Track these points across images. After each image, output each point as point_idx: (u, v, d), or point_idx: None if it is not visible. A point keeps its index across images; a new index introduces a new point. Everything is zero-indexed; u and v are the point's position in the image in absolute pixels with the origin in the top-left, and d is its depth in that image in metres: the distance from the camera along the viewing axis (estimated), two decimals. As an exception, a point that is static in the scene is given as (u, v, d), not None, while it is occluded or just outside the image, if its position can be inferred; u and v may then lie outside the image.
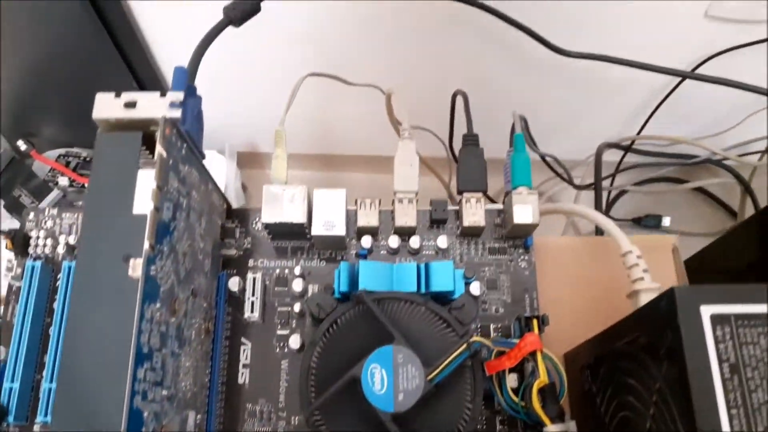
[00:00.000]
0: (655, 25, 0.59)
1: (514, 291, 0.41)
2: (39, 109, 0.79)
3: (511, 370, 0.37)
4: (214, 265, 0.40)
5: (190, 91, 0.36)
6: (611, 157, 0.76)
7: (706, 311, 0.24)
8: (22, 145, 0.81)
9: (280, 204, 0.39)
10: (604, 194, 0.84)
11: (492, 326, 0.40)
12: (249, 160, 0.87)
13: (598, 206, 0.62)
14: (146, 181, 0.30)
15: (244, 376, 0.39)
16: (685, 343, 0.24)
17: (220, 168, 0.76)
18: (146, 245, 0.29)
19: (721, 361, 0.24)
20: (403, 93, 0.46)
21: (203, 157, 0.37)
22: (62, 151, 0.83)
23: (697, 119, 0.72)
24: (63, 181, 0.79)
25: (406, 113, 0.43)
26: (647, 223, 0.87)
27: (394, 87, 0.48)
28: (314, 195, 0.40)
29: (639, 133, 0.73)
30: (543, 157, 0.62)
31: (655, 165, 0.82)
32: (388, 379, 0.34)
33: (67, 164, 0.81)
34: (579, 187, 0.68)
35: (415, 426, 0.34)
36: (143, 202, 0.30)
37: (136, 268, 0.28)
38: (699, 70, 0.64)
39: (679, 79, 0.64)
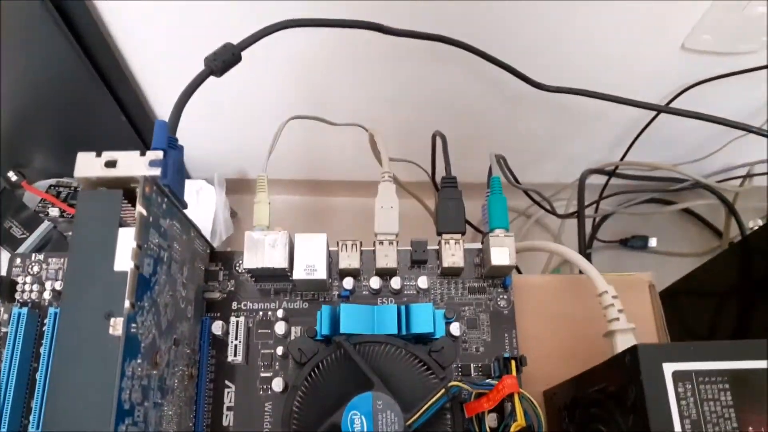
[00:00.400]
0: (634, 56, 0.60)
1: (494, 330, 0.42)
2: (29, 139, 0.79)
3: (490, 411, 0.38)
4: (198, 309, 0.40)
5: (172, 144, 0.37)
6: (597, 180, 0.77)
7: (669, 368, 0.25)
8: (12, 176, 0.81)
9: (261, 249, 0.40)
10: (590, 216, 0.86)
11: (473, 365, 0.41)
12: (239, 186, 0.88)
13: (581, 233, 0.63)
14: (127, 238, 0.31)
15: (228, 419, 0.40)
16: (647, 399, 0.25)
17: (209, 198, 0.76)
18: (126, 304, 0.29)
19: (682, 418, 0.24)
20: (387, 126, 0.48)
21: (185, 206, 0.38)
22: (53, 181, 0.83)
23: (678, 146, 0.74)
24: (53, 211, 0.80)
25: (386, 156, 0.44)
26: (634, 244, 0.88)
27: (376, 125, 0.49)
28: (296, 240, 0.40)
29: (622, 158, 0.74)
30: (526, 192, 0.63)
31: (640, 190, 0.83)
32: (368, 425, 0.34)
33: (58, 195, 0.82)
34: (562, 216, 0.69)
35: (394, 471, 0.35)
36: (124, 259, 0.31)
37: (116, 326, 0.29)
38: (677, 101, 0.65)
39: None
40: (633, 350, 0.26)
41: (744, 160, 0.74)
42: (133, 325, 0.30)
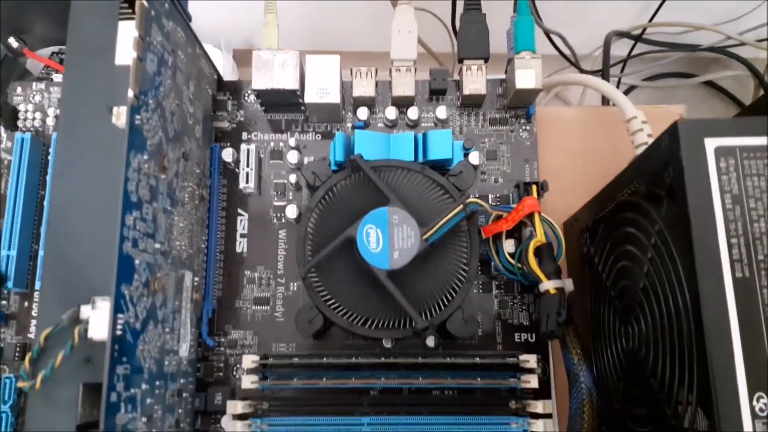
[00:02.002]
0: None
1: (514, 162, 0.40)
2: (28, 5, 0.76)
3: (508, 236, 0.37)
4: (206, 135, 0.39)
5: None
6: (621, 51, 0.73)
7: (711, 144, 0.23)
8: (13, 42, 0.79)
9: (271, 70, 0.37)
10: (614, 85, 0.82)
11: (491, 196, 0.40)
12: (245, 59, 0.85)
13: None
14: (128, 31, 0.29)
15: (242, 245, 0.39)
16: (687, 176, 0.23)
17: (216, 61, 0.73)
18: (130, 94, 0.28)
19: (723, 192, 0.23)
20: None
21: (190, 19, 0.36)
22: (55, 48, 0.80)
23: (710, 5, 0.69)
24: (57, 78, 0.77)
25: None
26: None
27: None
28: (307, 61, 0.38)
29: (651, 20, 0.70)
30: (548, 34, 0.60)
31: (666, 55, 0.79)
32: (384, 238, 0.33)
33: (61, 61, 0.79)
34: (587, 72, 0.66)
35: (410, 284, 0.34)
36: (126, 53, 0.29)
37: (120, 115, 0.27)
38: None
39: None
40: (673, 127, 0.24)
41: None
42: (138, 117, 0.28)
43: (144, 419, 0.29)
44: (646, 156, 0.27)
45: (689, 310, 0.23)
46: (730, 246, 0.22)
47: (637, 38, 0.72)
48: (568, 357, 0.32)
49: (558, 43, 0.62)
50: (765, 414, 0.21)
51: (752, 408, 0.21)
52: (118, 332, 0.26)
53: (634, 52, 0.76)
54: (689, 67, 0.83)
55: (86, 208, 0.28)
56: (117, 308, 0.26)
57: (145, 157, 0.29)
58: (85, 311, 0.27)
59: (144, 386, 0.29)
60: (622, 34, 0.69)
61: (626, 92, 0.86)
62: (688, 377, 0.23)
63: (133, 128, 0.28)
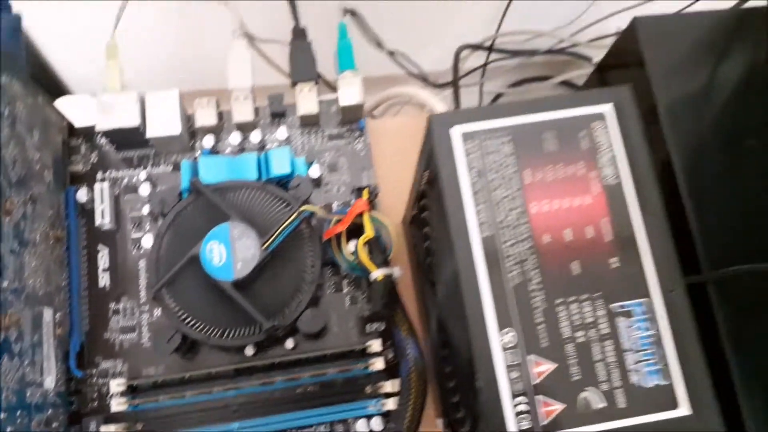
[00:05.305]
0: None
1: (353, 171, 0.44)
2: None
3: (351, 238, 0.41)
4: (59, 179, 0.41)
5: (4, 6, 0.37)
6: (477, 61, 0.80)
7: (458, 130, 0.28)
8: None
9: (112, 110, 0.40)
10: (486, 97, 0.89)
11: (335, 203, 0.44)
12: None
13: (456, 102, 0.65)
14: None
15: (104, 280, 0.41)
16: (438, 157, 0.27)
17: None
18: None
19: (470, 168, 0.27)
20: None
21: (26, 72, 0.38)
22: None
23: (549, 11, 0.76)
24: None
25: (238, 14, 0.45)
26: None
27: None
28: (147, 98, 0.41)
29: (497, 31, 0.76)
30: (391, 54, 0.65)
31: (526, 61, 0.86)
32: (227, 252, 0.36)
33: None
34: (438, 86, 0.71)
35: (259, 291, 0.37)
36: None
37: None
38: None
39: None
40: (428, 120, 0.28)
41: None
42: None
43: (4, 446, 0.31)
44: (423, 146, 0.31)
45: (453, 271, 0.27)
46: (478, 212, 0.27)
47: (489, 49, 0.79)
48: (397, 333, 0.36)
49: (405, 63, 0.67)
50: (510, 345, 0.25)
51: (501, 341, 0.25)
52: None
53: (498, 63, 0.82)
54: (548, 70, 0.91)
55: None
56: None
57: (-20, 201, 0.31)
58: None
59: (2, 414, 0.31)
60: (473, 47, 0.75)
61: (494, 100, 0.93)
62: (458, 327, 0.27)
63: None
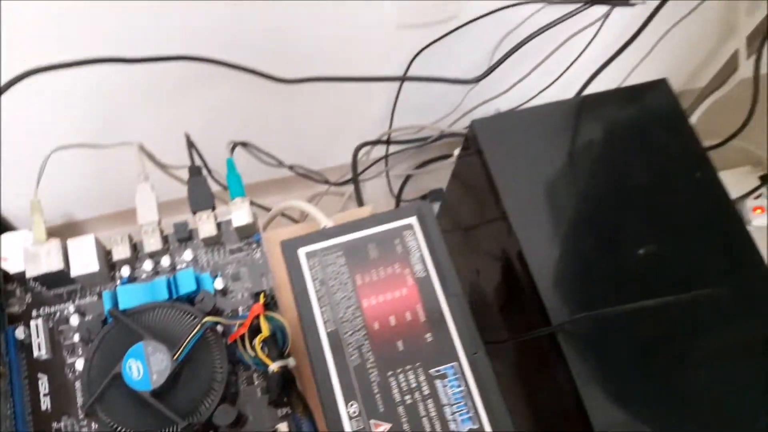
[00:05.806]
0: (361, 38, 0.72)
1: (254, 278, 0.52)
2: None
3: (252, 338, 0.48)
4: (-1, 322, 0.48)
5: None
6: (378, 154, 0.90)
7: (303, 251, 0.36)
8: None
9: (39, 259, 0.48)
10: (394, 183, 0.99)
11: (240, 308, 0.51)
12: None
13: (358, 199, 0.75)
14: None
15: (46, 403, 0.48)
16: (290, 273, 0.36)
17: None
18: None
19: (314, 279, 0.36)
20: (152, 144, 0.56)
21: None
22: None
23: (434, 105, 0.87)
24: None
25: (142, 162, 0.53)
26: (433, 197, 1.02)
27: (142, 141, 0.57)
28: (68, 243, 0.49)
29: (390, 127, 0.87)
30: (291, 168, 0.74)
31: (425, 147, 0.96)
32: (143, 367, 0.43)
33: None
34: (337, 184, 0.81)
35: (174, 396, 0.44)
36: None
37: None
38: (413, 67, 0.78)
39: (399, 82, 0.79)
40: (281, 245, 0.36)
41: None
42: None
43: None
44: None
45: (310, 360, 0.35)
46: (322, 312, 0.35)
47: (387, 142, 0.89)
48: (294, 414, 0.43)
49: (308, 169, 0.76)
50: (355, 414, 0.33)
51: (348, 412, 0.33)
52: None
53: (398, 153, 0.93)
54: (446, 149, 1.02)
55: None
56: None
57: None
58: None
59: None
60: (371, 143, 0.86)
61: (404, 182, 1.03)
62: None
63: None
